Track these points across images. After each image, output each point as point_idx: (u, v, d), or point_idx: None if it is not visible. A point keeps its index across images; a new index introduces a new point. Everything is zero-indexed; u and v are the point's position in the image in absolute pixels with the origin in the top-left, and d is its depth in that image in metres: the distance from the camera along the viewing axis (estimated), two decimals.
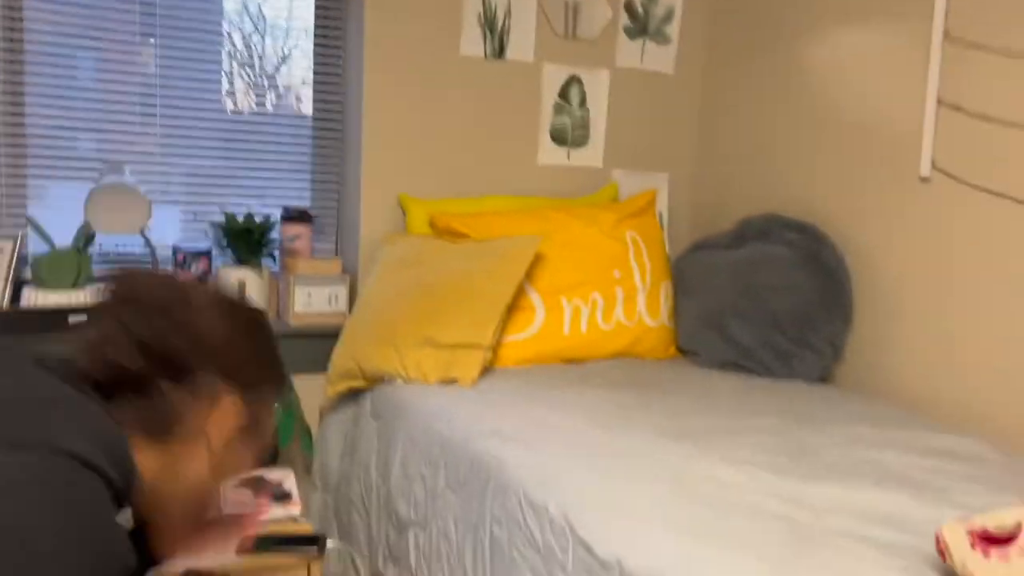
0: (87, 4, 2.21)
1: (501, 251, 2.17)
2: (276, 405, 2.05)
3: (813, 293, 2.18)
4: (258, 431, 1.08)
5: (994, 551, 0.98)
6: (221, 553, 1.26)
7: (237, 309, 1.06)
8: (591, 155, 2.66)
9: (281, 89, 2.52)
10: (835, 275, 2.19)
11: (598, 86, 2.62)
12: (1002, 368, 1.86)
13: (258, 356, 1.07)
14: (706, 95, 2.77)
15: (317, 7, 2.45)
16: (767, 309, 2.20)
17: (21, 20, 2.16)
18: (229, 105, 2.44)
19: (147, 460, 0.96)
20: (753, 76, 2.56)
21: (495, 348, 2.10)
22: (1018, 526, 0.98)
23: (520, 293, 2.17)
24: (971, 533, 1.01)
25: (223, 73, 2.41)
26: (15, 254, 2.10)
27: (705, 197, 2.78)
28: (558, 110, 2.59)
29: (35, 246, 2.17)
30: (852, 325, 2.20)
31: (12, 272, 2.09)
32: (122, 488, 0.90)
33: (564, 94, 2.59)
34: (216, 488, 1.09)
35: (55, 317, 2.02)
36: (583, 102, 2.62)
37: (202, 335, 1.01)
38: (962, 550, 1.01)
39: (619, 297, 2.29)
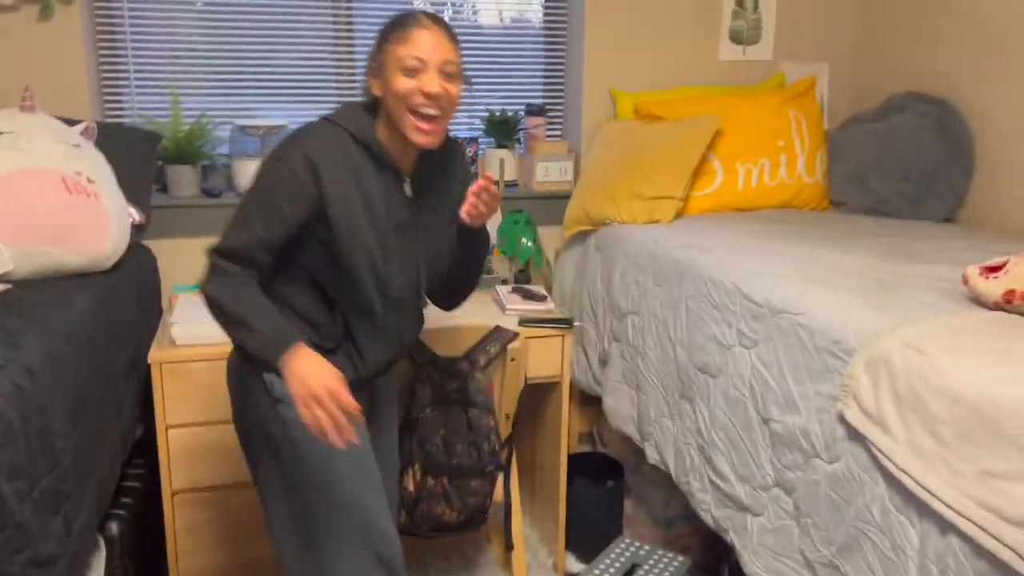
0: None
1: (689, 128, 2.91)
2: (529, 242, 2.94)
3: (939, 151, 2.77)
4: (382, 71, 1.75)
5: (991, 275, 1.67)
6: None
7: None
8: (762, 51, 3.30)
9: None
10: (959, 136, 2.76)
11: None
12: None
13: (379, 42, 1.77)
14: None
15: None
16: (901, 166, 2.81)
17: None
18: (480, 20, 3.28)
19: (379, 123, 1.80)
20: None
21: (685, 200, 2.87)
22: (1006, 261, 1.66)
23: (704, 160, 2.90)
24: (981, 268, 1.71)
25: None
26: None
27: (860, 82, 3.35)
28: (735, 15, 3.24)
29: None
30: (972, 176, 2.77)
31: None
32: (364, 133, 1.76)
33: (740, 2, 3.23)
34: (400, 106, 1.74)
35: None
36: (756, 7, 3.25)
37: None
38: (975, 278, 1.71)
39: (782, 161, 2.98)
